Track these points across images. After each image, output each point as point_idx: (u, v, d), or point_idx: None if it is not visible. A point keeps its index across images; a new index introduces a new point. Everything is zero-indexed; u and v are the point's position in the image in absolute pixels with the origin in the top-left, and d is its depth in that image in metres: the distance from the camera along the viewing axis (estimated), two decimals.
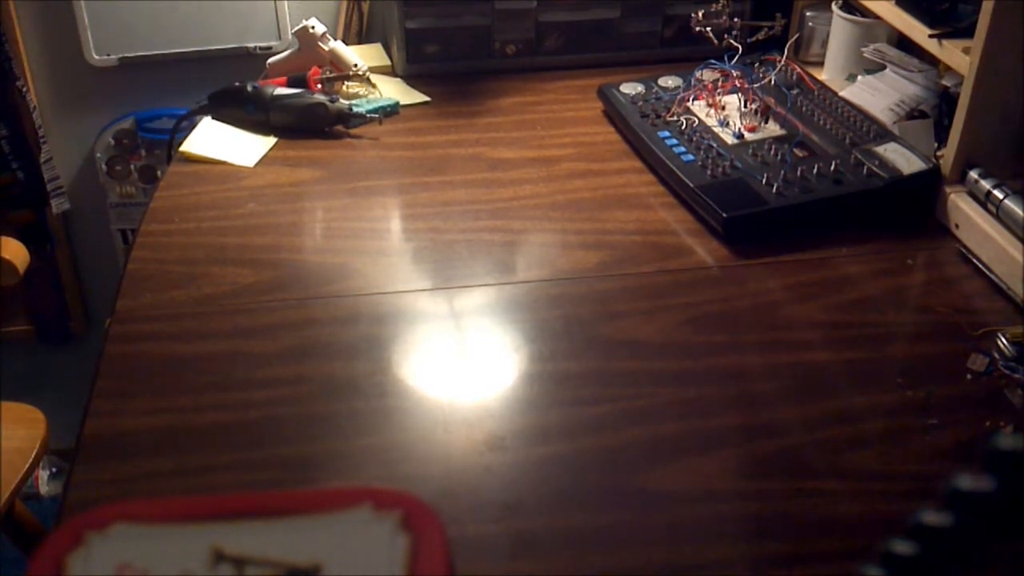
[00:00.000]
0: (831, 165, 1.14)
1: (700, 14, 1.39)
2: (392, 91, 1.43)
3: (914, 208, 1.13)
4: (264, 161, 1.26)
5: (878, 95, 1.26)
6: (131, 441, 0.81)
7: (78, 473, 0.78)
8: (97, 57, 1.69)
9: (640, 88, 1.35)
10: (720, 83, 1.30)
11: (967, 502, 0.28)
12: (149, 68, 1.73)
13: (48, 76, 1.74)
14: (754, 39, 1.41)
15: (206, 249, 1.07)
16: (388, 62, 1.52)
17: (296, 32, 1.44)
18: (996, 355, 0.90)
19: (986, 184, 1.06)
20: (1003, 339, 0.91)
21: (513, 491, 0.76)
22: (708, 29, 1.39)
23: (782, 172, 1.13)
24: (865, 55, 1.32)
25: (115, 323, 0.95)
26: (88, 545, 0.39)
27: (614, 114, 1.34)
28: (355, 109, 1.32)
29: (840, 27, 1.38)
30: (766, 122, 1.24)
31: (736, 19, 1.39)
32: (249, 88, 1.33)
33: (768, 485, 0.77)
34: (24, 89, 1.69)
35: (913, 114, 1.22)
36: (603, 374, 0.89)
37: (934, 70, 1.24)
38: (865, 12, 1.33)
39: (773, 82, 1.31)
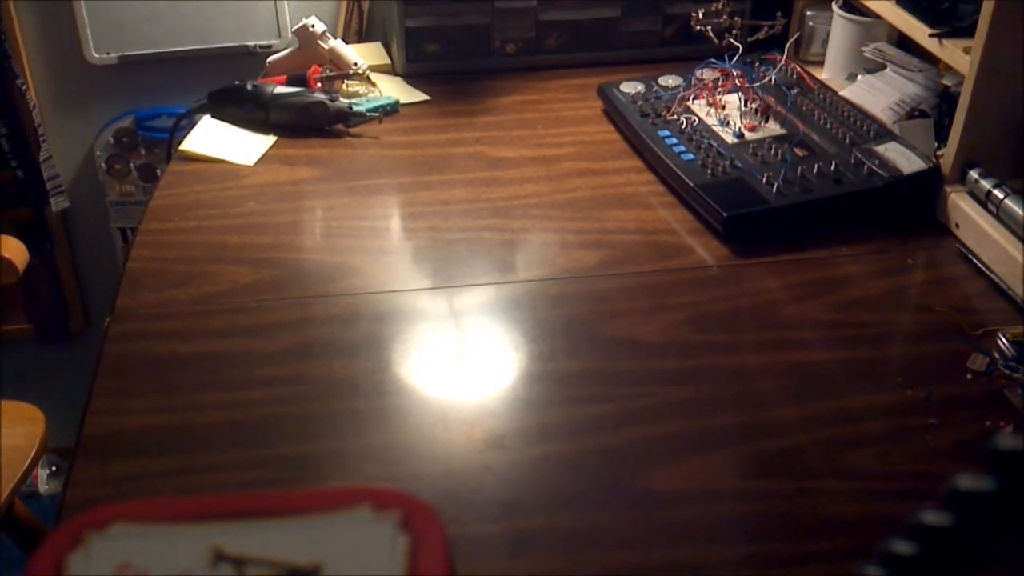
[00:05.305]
0: (831, 164, 1.14)
1: (700, 13, 1.39)
2: (392, 90, 1.43)
3: (914, 208, 1.13)
4: (264, 160, 1.26)
5: (878, 94, 1.25)
6: (130, 440, 0.81)
7: (77, 472, 0.78)
8: (97, 55, 1.69)
9: (640, 87, 1.35)
10: (720, 82, 1.30)
11: (967, 502, 0.28)
12: (149, 66, 1.73)
13: (48, 74, 1.74)
14: (754, 38, 1.41)
15: (206, 248, 1.07)
16: (388, 61, 1.52)
17: (296, 31, 1.44)
18: (996, 355, 0.90)
19: (986, 184, 1.06)
20: (1003, 339, 0.91)
21: (513, 490, 0.76)
22: (708, 28, 1.39)
23: (782, 171, 1.13)
24: (865, 54, 1.32)
25: (115, 322, 0.95)
26: (88, 545, 0.39)
27: (614, 113, 1.34)
28: (355, 108, 1.32)
29: (840, 26, 1.38)
30: (766, 121, 1.24)
31: (736, 18, 1.39)
32: (249, 87, 1.33)
33: (768, 485, 0.77)
34: (24, 87, 1.69)
35: (913, 113, 1.22)
36: (603, 373, 0.89)
37: (934, 69, 1.24)
38: (865, 11, 1.33)
39: (773, 81, 1.31)
